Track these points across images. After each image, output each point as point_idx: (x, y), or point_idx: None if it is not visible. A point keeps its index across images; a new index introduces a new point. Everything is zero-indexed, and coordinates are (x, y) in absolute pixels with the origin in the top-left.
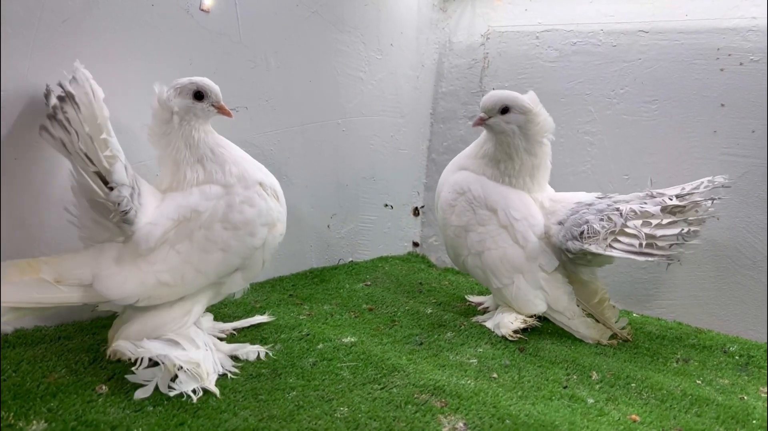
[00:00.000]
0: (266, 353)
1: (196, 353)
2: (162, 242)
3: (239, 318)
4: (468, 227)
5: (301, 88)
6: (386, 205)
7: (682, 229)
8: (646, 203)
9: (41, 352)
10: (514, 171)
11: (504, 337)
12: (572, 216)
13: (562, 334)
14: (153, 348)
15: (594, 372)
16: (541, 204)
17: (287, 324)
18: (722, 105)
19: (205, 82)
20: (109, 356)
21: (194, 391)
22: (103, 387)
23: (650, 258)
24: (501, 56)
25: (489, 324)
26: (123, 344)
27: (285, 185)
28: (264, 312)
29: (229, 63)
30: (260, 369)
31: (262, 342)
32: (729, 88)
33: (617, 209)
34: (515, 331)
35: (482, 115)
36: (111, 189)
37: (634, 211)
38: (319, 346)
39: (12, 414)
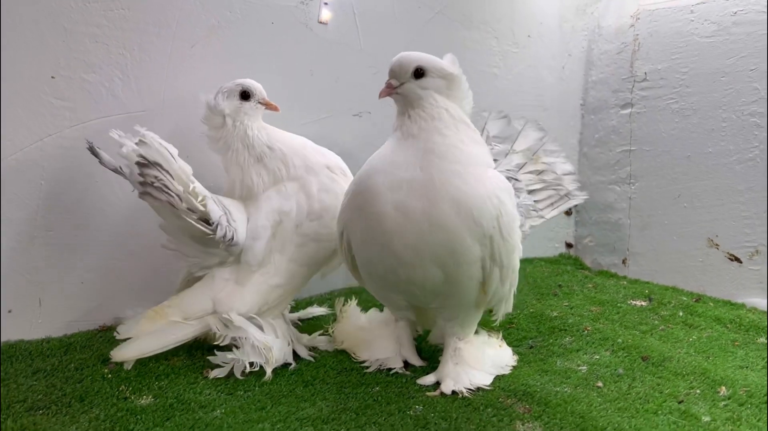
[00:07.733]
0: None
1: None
2: (267, 252)
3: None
4: None
5: None
6: None
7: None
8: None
9: None
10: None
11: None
12: None
13: (706, 344)
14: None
15: (723, 387)
16: None
17: None
18: None
19: (249, 81)
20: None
21: (251, 364)
22: (210, 372)
23: None
24: (652, 36)
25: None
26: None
27: None
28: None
29: (351, 71)
30: (354, 364)
31: None
32: None
33: None
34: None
35: (392, 81)
36: (212, 225)
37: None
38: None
39: (130, 388)
